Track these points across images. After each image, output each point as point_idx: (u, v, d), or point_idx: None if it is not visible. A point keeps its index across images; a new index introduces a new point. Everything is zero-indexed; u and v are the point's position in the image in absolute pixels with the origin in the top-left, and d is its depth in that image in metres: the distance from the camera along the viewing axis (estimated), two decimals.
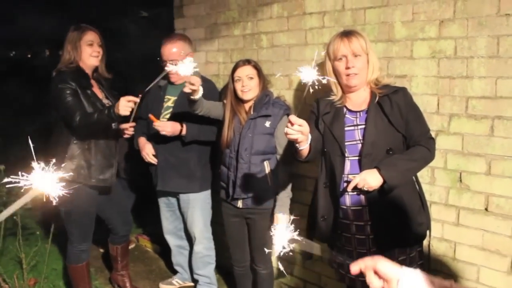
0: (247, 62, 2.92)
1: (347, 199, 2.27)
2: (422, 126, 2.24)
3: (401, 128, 2.20)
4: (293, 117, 1.95)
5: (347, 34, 2.27)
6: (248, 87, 2.87)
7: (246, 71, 2.88)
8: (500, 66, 2.21)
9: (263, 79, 2.93)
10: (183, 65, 2.42)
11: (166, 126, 3.07)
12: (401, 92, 2.23)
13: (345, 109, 2.33)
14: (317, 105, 2.43)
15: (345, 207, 2.28)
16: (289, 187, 2.90)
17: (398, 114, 2.19)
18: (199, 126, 3.12)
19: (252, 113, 2.88)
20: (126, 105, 2.80)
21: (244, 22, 3.43)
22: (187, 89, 2.62)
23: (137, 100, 2.82)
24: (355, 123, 2.28)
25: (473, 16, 2.27)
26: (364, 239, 2.27)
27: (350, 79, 2.25)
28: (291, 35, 3.11)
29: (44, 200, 1.04)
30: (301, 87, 3.09)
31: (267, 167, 2.87)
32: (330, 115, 2.34)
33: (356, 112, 2.30)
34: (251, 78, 2.87)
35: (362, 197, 2.23)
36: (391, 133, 2.20)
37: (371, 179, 2.11)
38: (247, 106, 2.93)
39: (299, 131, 1.98)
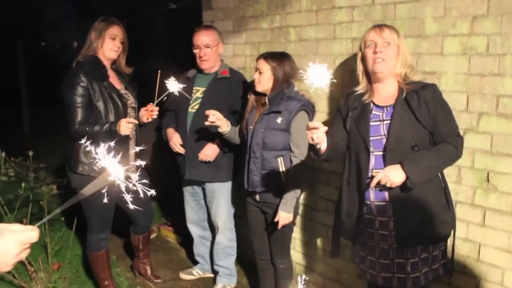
0: (261, 56, 2.91)
1: (371, 194, 2.26)
2: (450, 123, 2.21)
3: (427, 124, 2.17)
4: (310, 124, 2.07)
5: (380, 25, 2.28)
6: (256, 80, 2.88)
7: (258, 65, 2.89)
8: None
9: (283, 74, 2.85)
10: (170, 82, 2.63)
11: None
12: (430, 88, 2.20)
13: (372, 104, 2.31)
14: (346, 101, 2.42)
15: (369, 202, 2.27)
16: (299, 184, 2.88)
17: (425, 110, 2.16)
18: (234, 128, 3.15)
19: (266, 108, 2.88)
20: (126, 126, 2.86)
21: (272, 15, 3.42)
22: (207, 123, 2.91)
23: (136, 122, 2.98)
24: (381, 118, 2.26)
25: (508, 12, 2.22)
26: (387, 235, 2.25)
27: (376, 64, 2.22)
28: (320, 29, 3.10)
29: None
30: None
31: (281, 163, 2.86)
32: (357, 110, 2.34)
33: (383, 107, 2.28)
34: (260, 72, 2.86)
35: (386, 192, 2.21)
36: (417, 129, 2.17)
37: (394, 175, 2.10)
38: (265, 100, 2.92)
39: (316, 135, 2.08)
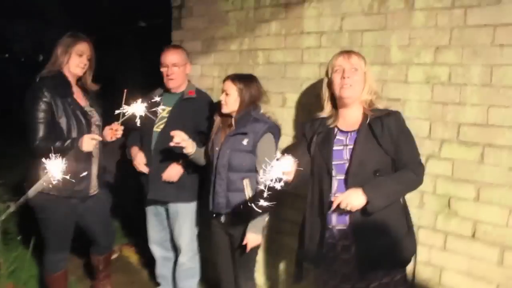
0: (228, 77, 2.91)
1: (333, 219, 2.26)
2: (412, 151, 2.25)
3: (390, 151, 2.20)
4: (285, 171, 2.02)
5: (348, 51, 2.32)
6: (223, 101, 2.88)
7: (224, 86, 2.89)
8: (493, 95, 2.26)
9: (249, 96, 2.86)
10: (135, 105, 2.53)
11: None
12: (394, 115, 2.24)
13: (336, 130, 2.34)
14: (310, 125, 2.44)
15: (330, 226, 2.27)
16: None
17: (388, 137, 2.19)
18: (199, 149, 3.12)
19: (232, 129, 2.89)
20: (89, 142, 2.80)
21: (241, 38, 3.45)
22: (172, 143, 2.89)
23: (100, 139, 2.88)
24: (344, 142, 2.28)
25: (469, 45, 2.32)
26: (349, 259, 2.25)
27: (344, 89, 2.25)
28: (288, 53, 3.14)
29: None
30: (294, 104, 3.11)
31: (247, 185, 2.85)
32: (322, 135, 2.36)
33: (347, 132, 2.30)
34: (227, 94, 2.86)
35: (347, 216, 2.22)
36: (380, 155, 2.20)
37: (354, 199, 2.11)
38: (230, 121, 2.92)
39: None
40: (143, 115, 2.54)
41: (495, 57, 2.24)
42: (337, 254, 2.28)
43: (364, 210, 2.14)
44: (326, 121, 2.37)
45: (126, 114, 2.55)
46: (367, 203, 2.11)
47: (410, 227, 2.31)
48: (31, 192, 1.18)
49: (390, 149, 2.20)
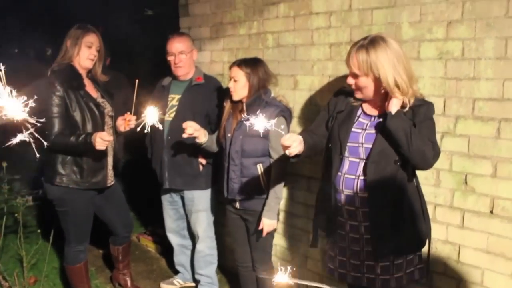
0: (234, 63, 2.90)
1: (342, 198, 2.22)
2: (431, 136, 2.11)
3: None
4: (283, 142, 2.07)
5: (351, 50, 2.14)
6: (232, 89, 2.86)
7: (232, 73, 2.87)
8: (508, 68, 2.20)
9: (258, 79, 2.83)
10: (149, 113, 2.54)
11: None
12: (426, 106, 2.11)
13: (360, 111, 2.25)
14: (335, 101, 2.35)
15: (340, 204, 2.24)
16: (280, 190, 2.87)
17: (417, 127, 2.07)
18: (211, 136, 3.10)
19: (244, 115, 2.87)
20: (101, 142, 2.80)
21: (250, 22, 3.42)
22: (185, 135, 2.88)
23: (111, 139, 2.87)
24: (364, 127, 2.20)
25: (481, 17, 2.26)
26: (358, 238, 2.23)
27: (355, 93, 2.21)
28: (297, 34, 3.10)
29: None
30: (306, 86, 3.08)
31: (260, 170, 2.85)
32: (344, 113, 2.27)
33: (370, 116, 2.21)
34: (235, 80, 2.85)
35: (356, 197, 2.17)
36: None
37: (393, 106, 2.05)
38: (241, 107, 2.91)
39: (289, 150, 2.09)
40: (155, 122, 2.54)
41: (509, 29, 2.18)
42: (346, 232, 2.26)
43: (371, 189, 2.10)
44: (352, 98, 2.26)
45: (143, 122, 2.54)
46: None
47: (424, 212, 2.23)
48: None
49: None
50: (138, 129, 2.63)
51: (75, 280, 3.31)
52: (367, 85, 2.11)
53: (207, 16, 3.77)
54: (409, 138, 2.02)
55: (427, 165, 2.12)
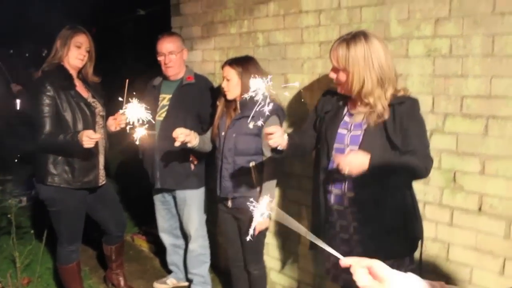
0: (226, 63, 2.90)
1: (332, 198, 2.22)
2: (421, 142, 2.07)
3: (397, 141, 2.05)
4: (266, 129, 2.15)
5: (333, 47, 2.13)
6: (225, 88, 2.86)
7: (224, 72, 2.88)
8: (495, 65, 2.20)
9: (250, 77, 2.83)
10: (132, 108, 2.55)
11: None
12: (409, 102, 2.07)
13: (345, 111, 2.24)
14: (323, 102, 2.35)
15: (329, 204, 2.23)
16: (273, 189, 2.89)
17: (398, 126, 2.04)
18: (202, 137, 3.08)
19: (237, 113, 2.86)
20: (88, 140, 2.79)
21: (241, 20, 3.41)
22: (177, 143, 2.83)
23: (98, 137, 2.84)
24: (349, 127, 2.18)
25: (469, 15, 2.25)
26: (348, 239, 2.22)
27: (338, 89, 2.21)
28: (287, 33, 3.10)
29: None
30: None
31: (253, 168, 2.85)
32: (331, 113, 2.27)
33: (354, 115, 2.20)
34: (228, 80, 2.85)
35: (344, 197, 2.17)
36: (387, 148, 2.08)
37: (355, 159, 1.95)
38: (235, 105, 2.90)
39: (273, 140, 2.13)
40: (144, 134, 2.55)
41: (496, 26, 2.17)
42: (336, 233, 2.25)
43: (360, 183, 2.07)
44: (337, 98, 2.27)
45: (127, 117, 2.55)
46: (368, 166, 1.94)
47: (416, 211, 2.21)
48: None
49: (397, 138, 2.05)
50: (128, 128, 2.64)
51: (68, 280, 3.32)
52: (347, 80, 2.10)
53: (198, 15, 3.76)
54: (396, 164, 2.03)
55: (425, 177, 2.14)
